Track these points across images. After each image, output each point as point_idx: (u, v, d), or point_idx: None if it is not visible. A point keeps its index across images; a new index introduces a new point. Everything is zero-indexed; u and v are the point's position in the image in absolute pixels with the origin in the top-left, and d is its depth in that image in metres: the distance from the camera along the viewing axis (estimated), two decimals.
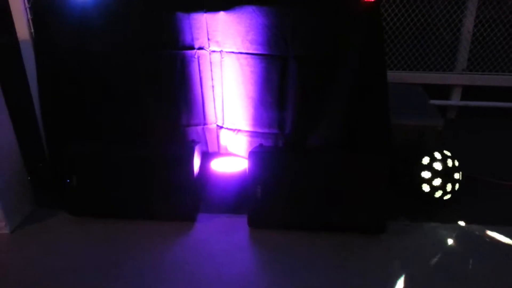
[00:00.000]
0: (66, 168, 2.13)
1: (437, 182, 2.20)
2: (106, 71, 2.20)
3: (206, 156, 2.40)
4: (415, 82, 3.36)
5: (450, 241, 2.02)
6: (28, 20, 2.25)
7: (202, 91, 2.28)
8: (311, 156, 2.14)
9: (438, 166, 2.20)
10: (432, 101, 3.14)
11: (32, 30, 2.25)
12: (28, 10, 2.23)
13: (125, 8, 2.13)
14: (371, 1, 2.02)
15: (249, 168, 2.05)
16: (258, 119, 2.28)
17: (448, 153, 2.26)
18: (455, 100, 3.49)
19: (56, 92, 2.23)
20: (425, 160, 2.23)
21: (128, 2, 2.13)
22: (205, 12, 2.08)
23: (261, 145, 2.28)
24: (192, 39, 2.15)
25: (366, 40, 2.02)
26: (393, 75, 3.37)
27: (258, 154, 2.07)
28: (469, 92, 3.49)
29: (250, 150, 2.24)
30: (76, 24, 2.12)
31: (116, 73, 2.21)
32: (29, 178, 2.21)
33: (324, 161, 2.08)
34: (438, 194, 2.22)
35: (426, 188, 2.22)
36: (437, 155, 2.24)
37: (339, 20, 2.04)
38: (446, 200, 2.25)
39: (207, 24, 2.11)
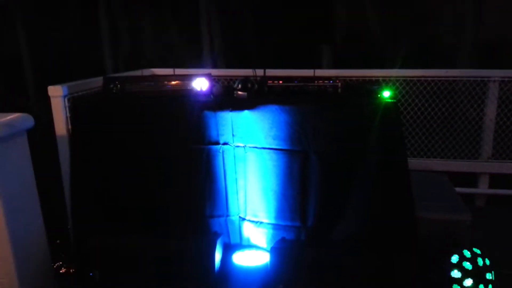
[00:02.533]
0: (89, 262, 2.16)
1: (468, 282, 2.09)
2: (137, 165, 2.31)
3: (228, 248, 2.39)
4: (439, 169, 3.34)
5: None
6: (66, 117, 2.42)
7: (225, 184, 2.33)
8: (334, 252, 2.10)
9: (468, 265, 2.11)
10: (459, 189, 3.09)
11: (70, 127, 2.41)
12: (67, 108, 2.41)
13: (157, 108, 2.29)
14: (390, 101, 2.11)
15: (271, 264, 2.03)
16: (280, 212, 2.29)
17: (478, 251, 2.17)
18: (483, 188, 3.42)
19: (87, 183, 2.33)
20: (454, 259, 2.15)
21: (160, 102, 2.29)
22: (231, 111, 2.21)
23: (283, 238, 2.26)
24: (218, 135, 2.26)
25: (385, 134, 2.08)
26: (417, 163, 3.38)
27: (280, 251, 2.05)
28: (498, 179, 3.42)
29: (272, 244, 2.24)
30: (110, 122, 2.29)
31: (146, 168, 2.31)
32: (54, 270, 2.23)
33: (349, 257, 2.04)
34: None
35: None
36: (466, 253, 2.15)
37: (358, 117, 2.12)
38: None
39: (232, 121, 2.23)
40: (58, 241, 2.56)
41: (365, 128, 2.09)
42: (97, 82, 2.58)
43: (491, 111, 3.30)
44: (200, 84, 2.30)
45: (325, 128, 2.15)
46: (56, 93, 2.38)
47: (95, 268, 2.17)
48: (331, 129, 2.16)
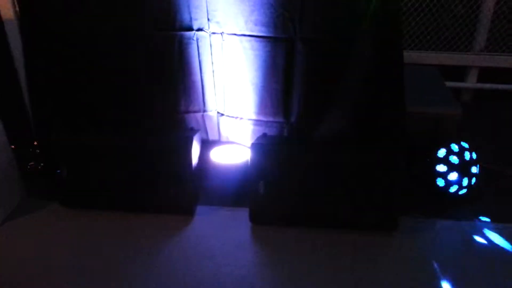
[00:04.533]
0: (56, 158, 2.00)
1: (453, 176, 2.06)
2: (97, 52, 2.03)
3: (206, 145, 2.26)
4: (429, 63, 3.17)
5: (464, 240, 1.89)
6: None
7: (201, 76, 2.11)
8: (318, 149, 1.99)
9: (454, 159, 2.05)
10: (447, 83, 2.96)
11: (17, 8, 2.06)
12: None
13: None
14: None
15: (251, 161, 1.91)
16: (262, 107, 2.12)
17: (466, 145, 2.11)
18: (471, 82, 3.30)
19: (44, 74, 2.06)
20: (441, 153, 2.08)
21: None
22: None
23: (264, 134, 2.13)
24: (191, 19, 1.97)
25: (382, 22, 1.83)
26: (405, 55, 3.15)
27: (261, 147, 1.92)
28: (486, 74, 3.28)
29: (253, 140, 2.11)
30: (65, 1, 1.94)
31: (108, 55, 2.04)
32: (18, 167, 2.08)
33: (333, 154, 1.93)
34: (454, 189, 2.08)
35: (441, 182, 2.08)
36: (454, 147, 2.08)
37: (352, 1, 1.85)
38: (461, 195, 2.10)
39: (207, 3, 1.92)
40: (22, 141, 2.38)
41: (360, 12, 1.83)
42: None
43: None
44: None
45: (315, 11, 1.87)
46: None
47: (62, 164, 2.01)
48: (322, 12, 1.88)
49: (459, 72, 3.32)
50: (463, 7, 3.09)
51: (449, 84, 3.11)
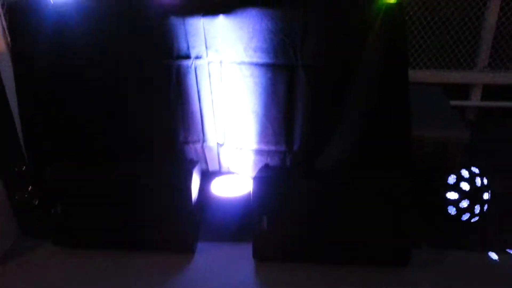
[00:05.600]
0: (49, 195, 1.91)
1: (464, 203, 1.97)
2: (92, 82, 1.96)
3: (206, 176, 2.16)
4: (432, 81, 3.10)
5: (478, 272, 1.79)
6: (3, 28, 1.99)
7: (200, 105, 2.02)
8: (323, 179, 1.90)
9: (465, 186, 1.97)
10: (450, 102, 2.89)
11: (9, 40, 1.99)
12: (3, 17, 1.96)
13: (111, 12, 1.87)
14: (394, 2, 1.76)
15: (253, 195, 1.81)
16: (263, 136, 2.04)
17: (476, 170, 2.02)
18: (475, 101, 3.22)
19: (37, 108, 1.99)
20: (451, 179, 1.99)
21: (115, 5, 1.87)
22: (203, 16, 1.81)
23: (266, 165, 2.04)
24: (188, 47, 1.89)
25: (386, 46, 1.76)
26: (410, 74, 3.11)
27: (263, 180, 1.83)
28: (490, 91, 3.22)
29: (254, 170, 2.03)
30: (57, 31, 1.86)
31: (103, 85, 1.97)
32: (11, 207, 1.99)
33: (338, 185, 1.85)
34: (466, 216, 1.99)
35: (452, 210, 1.99)
36: (465, 173, 2.00)
37: (355, 24, 1.78)
38: (474, 222, 2.01)
39: (204, 30, 1.85)
40: (15, 169, 2.28)
41: (363, 36, 1.76)
42: None
43: (492, 15, 2.98)
44: None
45: (317, 37, 1.80)
46: None
47: (56, 202, 1.92)
48: (324, 38, 1.82)
49: (463, 90, 3.26)
50: (465, 25, 3.03)
51: (453, 102, 3.04)
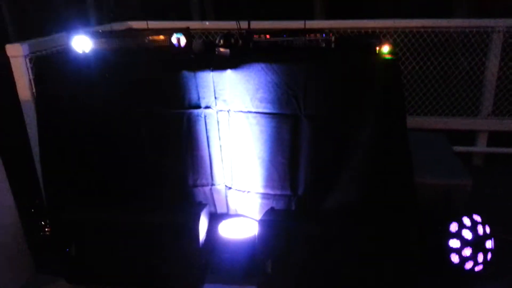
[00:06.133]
0: (65, 234, 2.01)
1: (467, 252, 1.99)
2: (109, 130, 2.10)
3: (214, 218, 2.24)
4: (437, 128, 3.18)
5: None
6: (30, 80, 2.17)
7: (209, 151, 2.14)
8: (327, 225, 1.96)
9: (467, 234, 1.99)
10: (457, 148, 2.95)
11: (34, 90, 2.17)
12: (30, 69, 2.16)
13: (129, 66, 2.04)
14: (389, 57, 1.89)
15: (259, 238, 1.88)
16: (269, 180, 2.12)
17: (478, 218, 2.06)
18: (482, 147, 3.28)
19: (57, 153, 2.12)
20: (453, 227, 2.03)
21: (132, 60, 2.05)
22: (212, 70, 1.97)
23: (272, 208, 2.11)
24: (199, 98, 2.04)
25: (383, 97, 1.87)
26: (413, 121, 3.20)
27: (269, 223, 1.90)
28: (497, 137, 3.27)
29: (261, 213, 2.10)
30: (79, 83, 2.04)
31: (119, 131, 2.11)
32: (27, 243, 2.09)
33: (342, 231, 1.90)
34: (469, 265, 2.00)
35: (455, 258, 2.01)
36: (466, 221, 2.03)
37: (354, 77, 1.90)
38: (478, 272, 2.02)
39: (214, 82, 2.00)
40: (32, 210, 2.41)
41: (362, 88, 1.88)
42: (62, 38, 2.31)
43: (493, 64, 3.09)
44: (178, 39, 2.04)
45: (318, 89, 1.93)
46: (16, 53, 2.12)
47: (71, 241, 2.02)
48: (325, 90, 1.94)
49: (469, 136, 3.32)
50: (467, 74, 3.14)
51: (459, 148, 3.11)
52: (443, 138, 2.79)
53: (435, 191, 2.22)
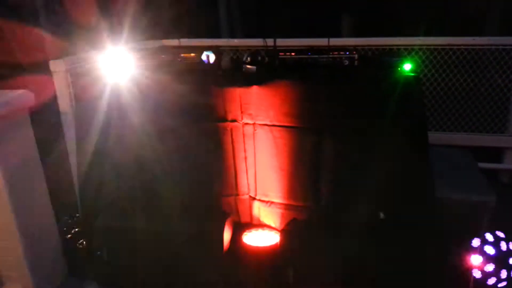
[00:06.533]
0: (97, 240, 2.13)
1: (489, 267, 1.98)
2: (139, 142, 2.22)
3: (238, 227, 2.32)
4: (463, 144, 3.17)
5: None
6: (70, 93, 2.34)
7: (234, 162, 2.24)
8: (348, 237, 2.00)
9: (490, 250, 1.99)
10: (483, 164, 2.93)
11: (74, 103, 2.33)
12: (70, 84, 2.32)
13: (163, 85, 2.17)
14: (412, 74, 1.95)
15: (280, 247, 1.95)
16: (291, 192, 2.20)
17: (502, 235, 2.05)
18: (509, 164, 3.24)
19: (93, 165, 2.26)
20: (476, 242, 2.03)
21: (163, 76, 2.17)
22: (239, 86, 2.08)
23: (294, 219, 2.18)
24: (226, 112, 2.15)
25: (404, 113, 1.93)
26: (440, 137, 3.21)
27: (290, 233, 1.97)
28: None
29: (283, 223, 2.17)
30: (114, 99, 2.18)
31: (150, 144, 2.23)
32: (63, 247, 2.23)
33: (363, 243, 1.94)
34: (492, 281, 1.99)
35: (477, 274, 2.01)
36: (489, 236, 2.03)
37: (376, 94, 1.97)
38: None
39: (240, 97, 2.10)
40: (68, 219, 2.55)
41: (384, 104, 1.94)
42: (99, 55, 2.48)
43: None
44: (207, 57, 2.17)
45: (340, 104, 2.01)
46: (58, 68, 2.29)
47: (103, 246, 2.14)
48: (347, 105, 2.01)
49: (496, 153, 3.29)
50: (493, 91, 3.14)
51: (486, 165, 3.09)
52: (468, 154, 2.79)
53: (459, 207, 2.22)
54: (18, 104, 1.93)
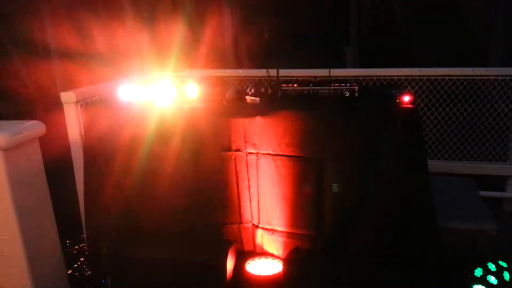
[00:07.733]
0: (102, 268, 2.16)
1: None
2: (144, 172, 2.26)
3: (241, 256, 2.34)
4: (466, 173, 3.20)
5: None
6: (79, 123, 2.41)
7: (238, 191, 2.28)
8: (349, 266, 2.02)
9: (492, 280, 2.00)
10: (486, 193, 2.95)
11: (83, 133, 2.40)
12: (80, 114, 2.40)
13: (169, 115, 2.24)
14: (410, 106, 2.00)
15: (284, 277, 1.96)
16: (294, 220, 2.22)
17: (504, 264, 2.06)
18: (511, 192, 3.25)
19: (99, 193, 2.31)
20: (478, 272, 2.03)
21: (172, 109, 2.24)
22: (243, 117, 2.14)
23: (298, 248, 2.19)
24: (230, 142, 2.20)
25: (403, 143, 1.98)
26: (442, 165, 3.25)
27: (293, 262, 1.99)
28: None
29: (286, 252, 2.18)
30: (121, 129, 2.24)
31: (155, 173, 2.28)
32: (67, 274, 2.26)
33: (365, 273, 1.95)
34: None
35: None
36: (491, 266, 2.03)
37: (375, 124, 2.02)
38: None
39: (244, 127, 2.17)
40: (75, 248, 2.59)
41: (384, 135, 1.99)
42: (108, 87, 2.57)
43: None
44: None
45: (342, 135, 2.06)
46: (69, 99, 2.38)
47: (108, 275, 2.16)
48: (348, 136, 2.06)
49: (499, 181, 3.31)
50: (494, 120, 3.19)
51: (489, 194, 3.11)
52: (470, 183, 2.81)
53: (460, 235, 2.23)
54: (29, 134, 2.01)
